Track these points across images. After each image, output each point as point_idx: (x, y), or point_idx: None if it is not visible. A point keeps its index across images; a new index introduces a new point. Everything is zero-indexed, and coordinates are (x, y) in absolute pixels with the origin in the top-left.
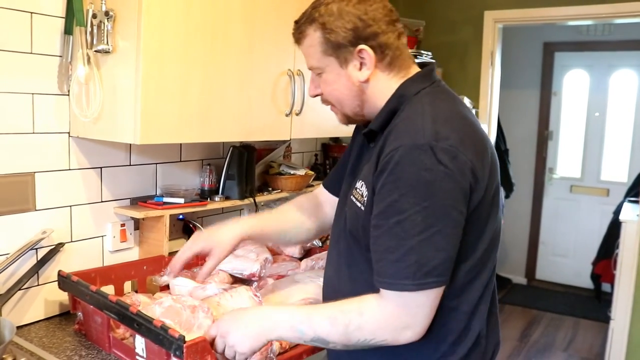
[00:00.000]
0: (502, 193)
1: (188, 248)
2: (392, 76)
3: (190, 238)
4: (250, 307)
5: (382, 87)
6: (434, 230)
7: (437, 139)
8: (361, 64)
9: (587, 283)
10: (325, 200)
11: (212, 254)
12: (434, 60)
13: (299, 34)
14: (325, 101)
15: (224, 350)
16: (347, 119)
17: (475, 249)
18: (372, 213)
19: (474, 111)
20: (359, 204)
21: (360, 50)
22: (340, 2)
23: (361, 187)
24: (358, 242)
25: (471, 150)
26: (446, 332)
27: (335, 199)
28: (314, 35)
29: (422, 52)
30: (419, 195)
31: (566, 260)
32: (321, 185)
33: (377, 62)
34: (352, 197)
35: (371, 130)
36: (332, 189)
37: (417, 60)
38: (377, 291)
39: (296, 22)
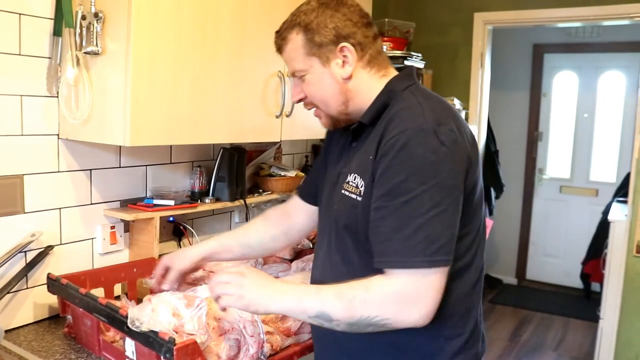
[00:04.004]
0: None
1: (157, 268)
2: (372, 74)
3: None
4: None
5: (365, 84)
6: (441, 208)
7: (439, 123)
8: (343, 61)
9: (577, 283)
10: (297, 208)
11: (172, 266)
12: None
13: (281, 41)
14: (309, 104)
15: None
16: (331, 121)
17: (470, 231)
18: (373, 196)
19: (463, 113)
20: (354, 196)
21: (342, 48)
22: (318, 8)
23: (354, 180)
24: (354, 235)
25: (466, 137)
26: (448, 315)
27: (308, 207)
28: (296, 39)
29: (412, 53)
30: (425, 175)
31: (556, 260)
32: (294, 195)
33: (358, 60)
34: (344, 192)
35: (361, 124)
36: (307, 197)
37: (406, 62)
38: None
39: (277, 32)
